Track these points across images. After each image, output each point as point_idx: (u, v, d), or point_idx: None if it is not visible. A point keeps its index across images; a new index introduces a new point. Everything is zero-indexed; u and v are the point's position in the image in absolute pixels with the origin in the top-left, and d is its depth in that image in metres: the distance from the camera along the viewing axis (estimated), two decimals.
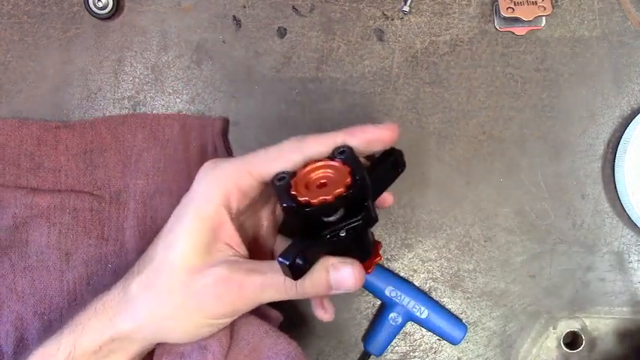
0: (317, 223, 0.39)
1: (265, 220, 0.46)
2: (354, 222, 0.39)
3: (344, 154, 0.39)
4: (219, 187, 0.40)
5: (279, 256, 0.37)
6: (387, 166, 0.42)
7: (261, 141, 0.53)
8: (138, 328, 0.40)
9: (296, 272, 0.37)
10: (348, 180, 0.37)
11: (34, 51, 0.53)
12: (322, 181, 0.39)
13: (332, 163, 0.39)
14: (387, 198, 0.46)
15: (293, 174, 0.39)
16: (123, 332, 0.40)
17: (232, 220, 0.41)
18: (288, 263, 0.36)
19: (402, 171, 0.44)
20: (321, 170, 0.39)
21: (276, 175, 0.39)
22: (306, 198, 0.37)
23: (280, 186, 0.39)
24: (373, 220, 0.40)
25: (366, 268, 0.41)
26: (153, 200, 0.50)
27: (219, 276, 0.39)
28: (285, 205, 0.38)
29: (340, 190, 0.37)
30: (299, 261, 0.37)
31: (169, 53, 0.53)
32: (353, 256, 0.41)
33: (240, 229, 0.42)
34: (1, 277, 0.49)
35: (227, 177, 0.40)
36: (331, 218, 0.39)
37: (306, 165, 0.39)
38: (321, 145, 0.40)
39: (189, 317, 0.40)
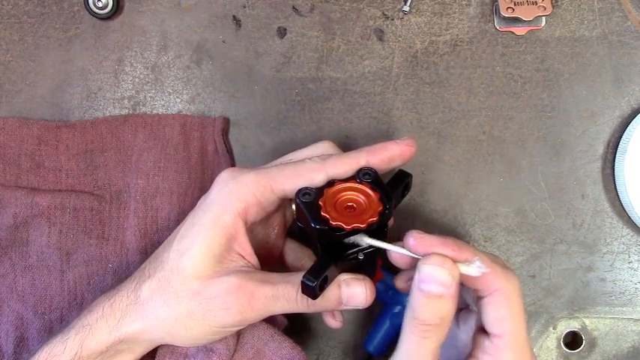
0: (338, 244, 0.39)
1: (276, 226, 0.46)
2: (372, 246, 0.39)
3: (369, 176, 0.39)
4: (239, 199, 0.40)
5: (304, 276, 0.37)
6: (400, 190, 0.42)
7: (261, 141, 0.53)
8: (146, 330, 0.41)
9: (317, 293, 0.38)
10: (381, 208, 0.38)
11: (34, 51, 0.53)
12: (350, 203, 0.39)
13: (362, 187, 0.39)
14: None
15: (319, 192, 0.39)
16: (131, 334, 0.40)
17: (246, 230, 0.41)
18: (313, 285, 0.36)
19: (407, 193, 0.44)
20: (350, 192, 0.39)
21: (300, 190, 0.39)
22: (340, 223, 0.37)
23: (308, 204, 0.38)
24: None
25: None
26: (153, 200, 0.50)
27: (231, 285, 0.39)
28: (317, 227, 0.38)
29: (374, 218, 0.37)
30: (322, 283, 0.38)
31: (169, 53, 0.53)
32: (361, 274, 0.41)
33: (252, 237, 0.42)
34: (1, 277, 0.50)
35: (248, 189, 0.40)
36: (352, 240, 0.39)
37: (332, 184, 0.40)
38: (345, 165, 0.40)
39: (197, 325, 0.40)
